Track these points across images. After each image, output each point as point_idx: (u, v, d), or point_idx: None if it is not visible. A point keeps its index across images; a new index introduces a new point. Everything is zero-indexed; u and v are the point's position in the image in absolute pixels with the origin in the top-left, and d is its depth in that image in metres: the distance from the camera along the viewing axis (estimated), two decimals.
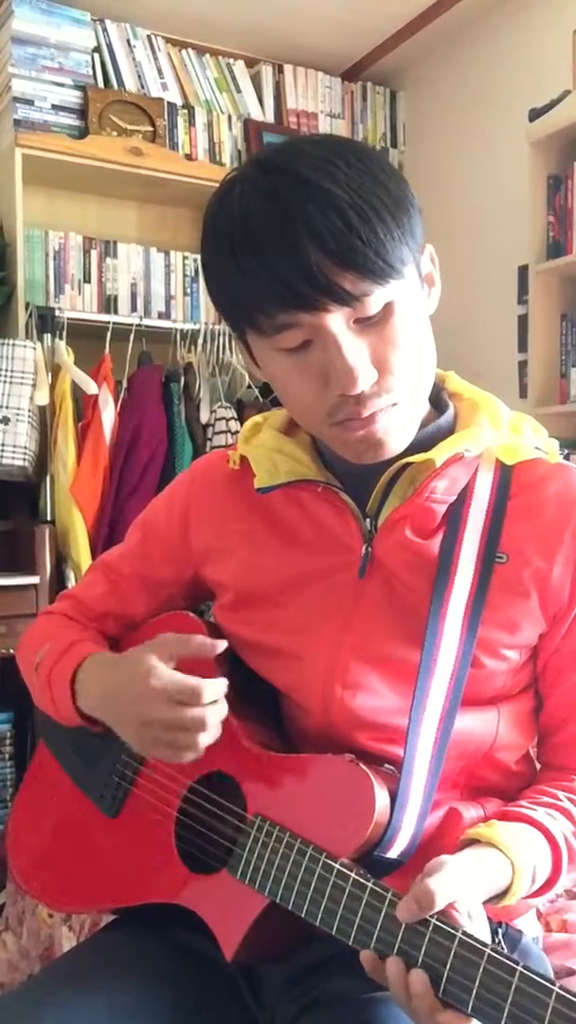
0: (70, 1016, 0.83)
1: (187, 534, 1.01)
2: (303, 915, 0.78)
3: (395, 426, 0.83)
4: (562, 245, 2.62)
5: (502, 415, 0.91)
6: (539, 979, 0.64)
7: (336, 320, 0.78)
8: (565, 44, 2.73)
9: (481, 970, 0.67)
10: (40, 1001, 0.85)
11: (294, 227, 0.75)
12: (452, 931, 0.69)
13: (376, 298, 0.78)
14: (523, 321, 2.85)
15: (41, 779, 1.09)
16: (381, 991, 0.81)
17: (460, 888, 0.72)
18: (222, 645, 0.86)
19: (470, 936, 0.69)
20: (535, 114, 2.65)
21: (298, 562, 0.91)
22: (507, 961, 0.66)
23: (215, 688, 0.84)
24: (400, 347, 0.80)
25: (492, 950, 0.67)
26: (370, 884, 0.75)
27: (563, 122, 2.57)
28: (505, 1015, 0.64)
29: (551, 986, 0.64)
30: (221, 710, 0.84)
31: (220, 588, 0.99)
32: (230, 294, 0.82)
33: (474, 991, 0.66)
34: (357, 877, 0.76)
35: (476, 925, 0.72)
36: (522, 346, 2.87)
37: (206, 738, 0.83)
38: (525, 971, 0.65)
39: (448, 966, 0.68)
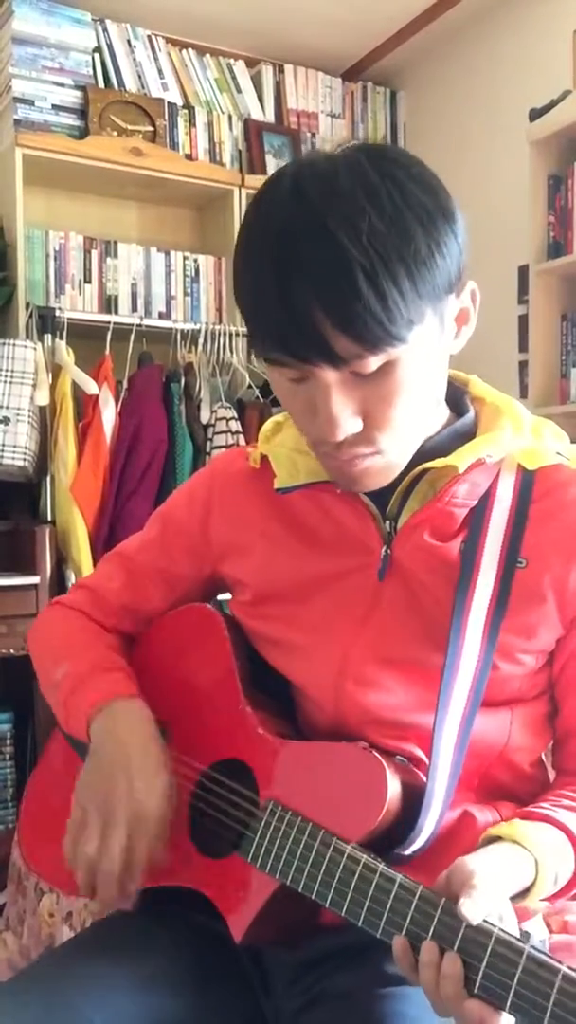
0: (93, 984, 0.85)
1: (207, 531, 1.01)
2: (313, 897, 0.79)
3: (374, 470, 0.84)
4: (562, 245, 2.62)
5: (524, 420, 0.91)
6: None
7: (329, 372, 0.77)
8: (565, 44, 2.73)
9: (511, 963, 0.67)
10: (57, 976, 0.86)
11: (298, 279, 0.73)
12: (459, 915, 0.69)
13: (374, 360, 0.76)
14: (523, 321, 2.85)
15: (53, 765, 1.10)
16: (384, 987, 0.81)
17: (492, 896, 0.71)
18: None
19: (476, 926, 0.69)
20: (535, 114, 2.65)
21: (317, 562, 0.92)
22: (548, 960, 0.66)
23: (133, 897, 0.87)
24: (394, 404, 0.79)
25: (499, 935, 0.68)
26: (380, 868, 0.76)
27: (563, 122, 2.57)
28: (548, 1015, 0.64)
29: None
30: (121, 901, 0.87)
31: (239, 585, 0.99)
32: (241, 305, 0.82)
33: (512, 989, 0.66)
34: (368, 861, 0.76)
35: (508, 925, 0.71)
36: (522, 346, 2.87)
37: (86, 885, 0.87)
38: (569, 971, 0.64)
39: (461, 943, 0.69)
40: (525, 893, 0.79)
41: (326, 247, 0.72)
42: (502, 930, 0.68)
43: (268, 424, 1.01)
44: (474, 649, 0.84)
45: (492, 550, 0.86)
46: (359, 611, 0.89)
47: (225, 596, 1.07)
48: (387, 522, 0.89)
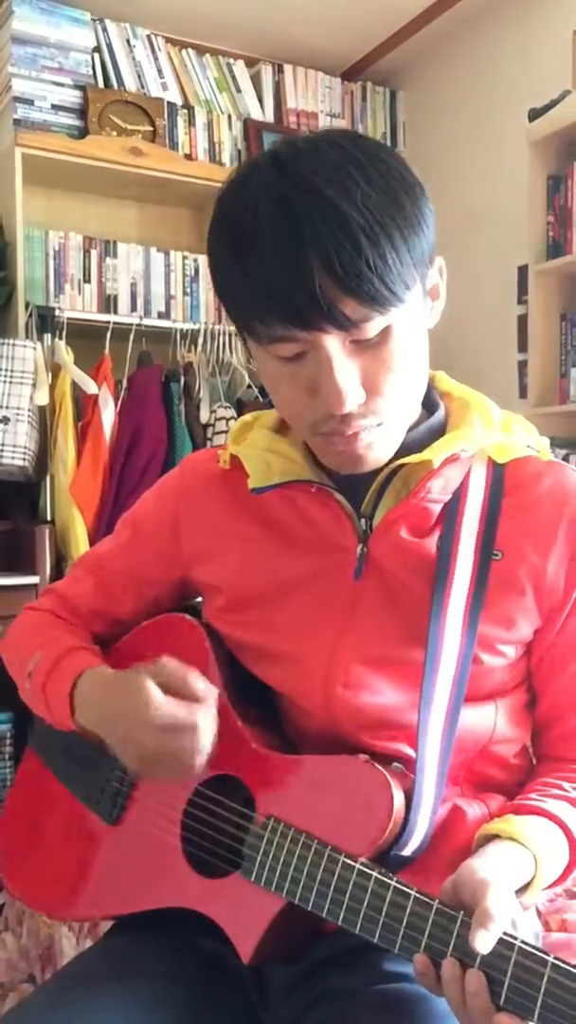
0: (85, 1014, 0.83)
1: (178, 537, 1.00)
2: (324, 914, 0.78)
3: (378, 443, 0.84)
4: (562, 245, 2.62)
5: (493, 414, 0.91)
6: None
7: (332, 341, 0.77)
8: (565, 44, 2.73)
9: (536, 974, 0.67)
10: (52, 1006, 0.84)
11: (302, 245, 0.74)
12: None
13: (375, 323, 0.77)
14: (523, 321, 2.85)
15: (30, 787, 1.08)
16: (384, 984, 0.81)
17: (506, 918, 0.71)
18: (214, 693, 0.86)
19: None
20: (535, 114, 2.65)
21: (293, 563, 0.91)
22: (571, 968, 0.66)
23: (208, 718, 0.84)
24: (393, 370, 0.80)
25: (520, 946, 0.68)
26: (393, 882, 0.75)
27: (563, 122, 2.57)
28: None
29: None
30: (212, 732, 0.84)
31: (212, 590, 0.98)
32: (231, 294, 0.81)
33: (540, 1000, 0.66)
34: (379, 876, 0.76)
35: (523, 929, 0.71)
36: (522, 346, 2.87)
37: (201, 761, 0.84)
38: None
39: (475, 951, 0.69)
40: (523, 889, 0.79)
41: (325, 211, 0.73)
42: (524, 942, 0.68)
43: (236, 425, 1.00)
44: (455, 643, 0.84)
45: (467, 544, 0.86)
46: (338, 612, 0.89)
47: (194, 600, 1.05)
48: (362, 520, 0.89)
